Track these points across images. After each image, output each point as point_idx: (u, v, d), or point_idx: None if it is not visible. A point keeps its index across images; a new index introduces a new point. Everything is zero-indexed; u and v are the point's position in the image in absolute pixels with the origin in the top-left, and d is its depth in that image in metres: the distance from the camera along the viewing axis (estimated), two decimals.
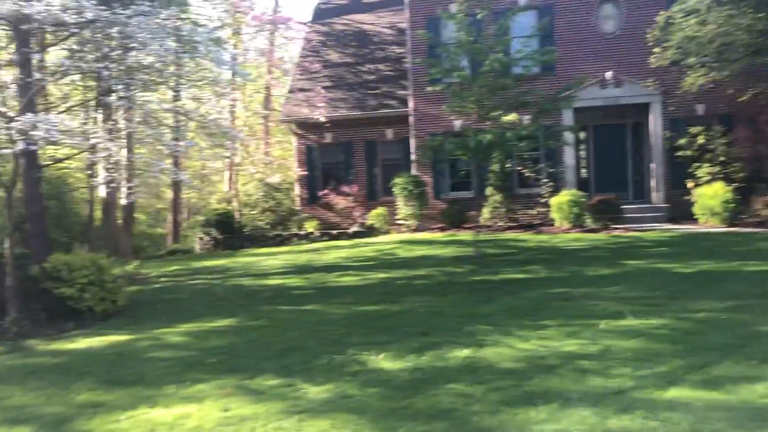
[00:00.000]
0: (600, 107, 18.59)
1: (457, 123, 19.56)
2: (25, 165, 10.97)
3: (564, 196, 16.63)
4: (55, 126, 7.10)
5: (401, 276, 11.76)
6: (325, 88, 22.00)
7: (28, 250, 10.63)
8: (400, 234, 19.06)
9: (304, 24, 23.22)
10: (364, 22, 24.35)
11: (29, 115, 7.12)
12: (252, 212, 21.55)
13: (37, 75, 10.76)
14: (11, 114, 6.97)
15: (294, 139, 22.45)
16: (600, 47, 18.64)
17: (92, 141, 7.52)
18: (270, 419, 5.23)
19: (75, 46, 12.73)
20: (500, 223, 17.96)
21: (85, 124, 7.73)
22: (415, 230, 19.02)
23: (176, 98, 20.20)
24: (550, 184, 18.27)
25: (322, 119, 20.81)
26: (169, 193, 33.39)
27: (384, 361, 6.69)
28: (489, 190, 18.13)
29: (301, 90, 22.25)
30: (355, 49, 23.62)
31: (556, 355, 6.50)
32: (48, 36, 13.02)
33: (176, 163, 28.02)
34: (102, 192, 20.54)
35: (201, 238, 21.03)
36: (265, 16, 21.99)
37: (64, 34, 11.65)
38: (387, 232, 19.45)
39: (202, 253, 20.09)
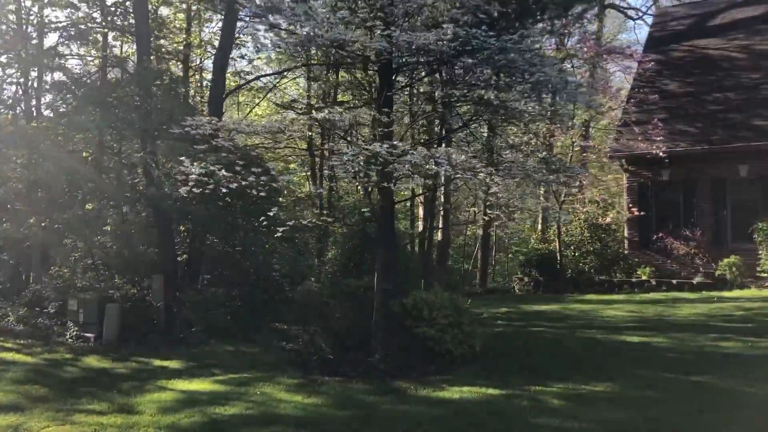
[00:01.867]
0: None
1: None
2: (383, 200, 11.13)
3: None
4: (447, 160, 6.72)
5: None
6: (661, 120, 19.83)
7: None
8: (762, 289, 16.04)
9: (637, 54, 21.33)
10: (708, 47, 21.66)
11: (420, 149, 6.84)
12: (575, 254, 20.14)
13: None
14: (406, 147, 6.74)
15: (624, 177, 20.60)
16: None
17: (480, 176, 7.06)
18: None
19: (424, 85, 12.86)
20: None
21: (474, 157, 7.33)
22: None
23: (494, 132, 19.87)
24: None
25: (662, 154, 18.68)
26: (475, 229, 33.56)
27: None
28: None
29: (635, 123, 20.33)
30: (698, 77, 21.04)
31: None
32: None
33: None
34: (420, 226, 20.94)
35: (521, 279, 20.22)
36: (596, 46, 20.67)
37: (423, 70, 11.70)
38: (743, 286, 16.54)
39: (523, 295, 19.23)
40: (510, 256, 34.49)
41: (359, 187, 22.30)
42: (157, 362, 9.83)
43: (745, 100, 19.48)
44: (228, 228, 12.92)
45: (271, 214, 8.78)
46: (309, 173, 22.39)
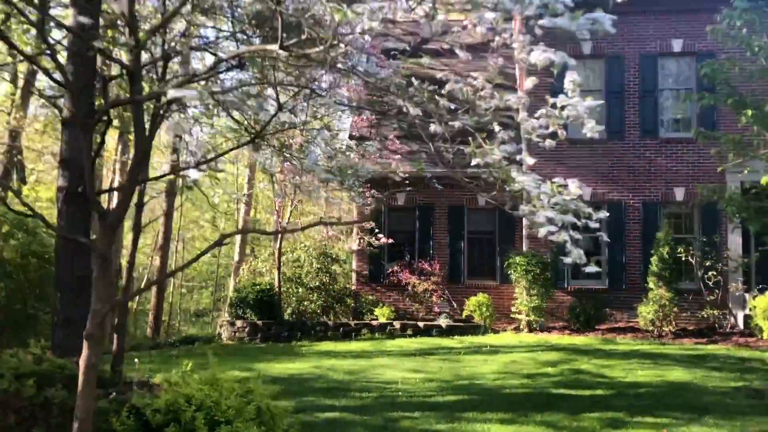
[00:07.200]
0: None
1: (587, 191, 15.36)
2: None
3: None
4: None
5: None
6: (398, 138, 17.27)
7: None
8: (519, 333, 14.14)
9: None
10: (434, 68, 20.02)
11: None
12: (298, 290, 16.17)
13: None
14: None
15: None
16: None
17: None
18: None
19: None
20: (667, 329, 13.29)
21: None
22: (534, 329, 14.14)
23: None
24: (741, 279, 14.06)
25: (402, 175, 15.92)
26: (150, 260, 27.47)
27: None
28: (651, 282, 13.59)
29: (363, 139, 17.39)
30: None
31: None
32: None
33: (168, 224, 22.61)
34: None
35: (231, 323, 15.36)
36: None
37: None
38: (497, 330, 14.50)
39: (237, 345, 14.41)
40: (183, 293, 28.86)
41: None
42: None
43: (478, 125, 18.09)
44: None
45: None
46: None
